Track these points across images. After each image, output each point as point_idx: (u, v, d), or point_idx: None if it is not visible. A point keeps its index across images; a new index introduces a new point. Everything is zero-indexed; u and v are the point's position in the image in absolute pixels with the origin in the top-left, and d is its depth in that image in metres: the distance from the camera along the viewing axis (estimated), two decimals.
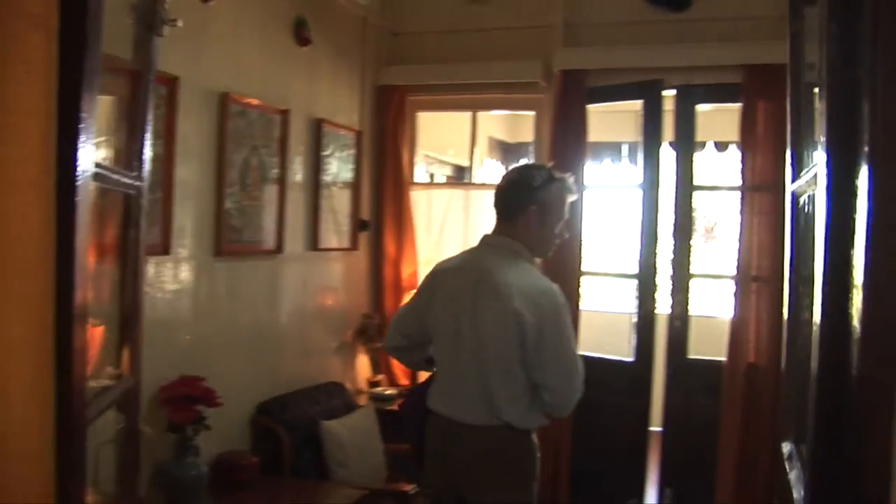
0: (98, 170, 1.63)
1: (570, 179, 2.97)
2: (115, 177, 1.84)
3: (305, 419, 4.32)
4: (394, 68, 5.47)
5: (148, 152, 2.07)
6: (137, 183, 2.02)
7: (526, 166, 3.48)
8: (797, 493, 1.15)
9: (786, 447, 1.39)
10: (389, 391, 5.23)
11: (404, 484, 4.46)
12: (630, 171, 7.89)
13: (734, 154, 7.21)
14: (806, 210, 1.28)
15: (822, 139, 0.96)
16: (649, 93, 5.02)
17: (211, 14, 3.69)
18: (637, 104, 6.65)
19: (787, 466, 1.31)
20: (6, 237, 1.22)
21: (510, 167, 4.18)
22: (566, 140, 5.11)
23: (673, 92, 5.04)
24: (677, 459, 4.99)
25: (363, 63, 5.29)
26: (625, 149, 7.74)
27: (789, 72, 1.46)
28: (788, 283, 1.45)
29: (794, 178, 1.43)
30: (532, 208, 2.83)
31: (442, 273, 3.04)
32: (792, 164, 1.44)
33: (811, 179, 1.09)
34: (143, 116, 2.07)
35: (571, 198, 2.95)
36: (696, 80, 4.97)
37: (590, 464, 4.98)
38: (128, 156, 2.04)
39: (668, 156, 5.15)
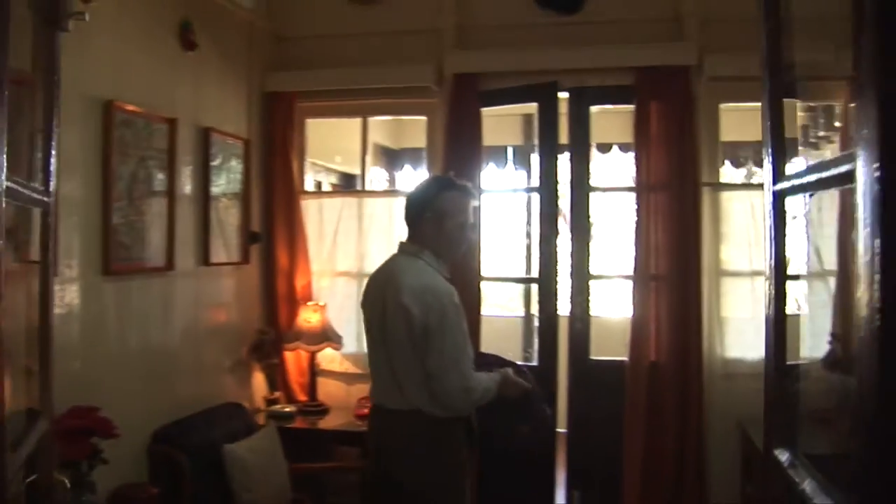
0: (10, 184, 1.44)
1: (468, 185, 3.25)
2: (27, 192, 1.64)
3: (206, 444, 4.09)
4: (281, 74, 5.28)
5: (54, 163, 1.86)
6: (46, 199, 1.80)
7: (426, 178, 3.68)
8: None
9: (783, 455, 1.34)
10: (288, 408, 5.03)
11: None
12: (515, 175, 7.93)
13: (617, 155, 7.37)
14: (804, 210, 1.24)
15: (870, 135, 0.89)
16: (544, 95, 5.01)
17: (92, 15, 3.41)
18: (523, 107, 6.70)
19: (792, 476, 1.26)
20: None
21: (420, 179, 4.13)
22: (460, 145, 5.06)
23: (567, 94, 5.07)
24: (584, 462, 5.00)
25: (250, 69, 5.08)
26: (510, 152, 7.75)
27: (767, 68, 1.41)
28: (774, 282, 1.40)
29: (776, 178, 1.39)
30: (427, 216, 3.14)
31: (369, 280, 3.33)
32: (773, 164, 1.40)
33: (833, 178, 1.04)
34: (48, 123, 1.86)
35: (472, 203, 3.23)
36: (589, 83, 5.00)
37: (498, 468, 4.93)
38: (29, 168, 1.82)
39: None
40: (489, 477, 4.93)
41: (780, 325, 1.39)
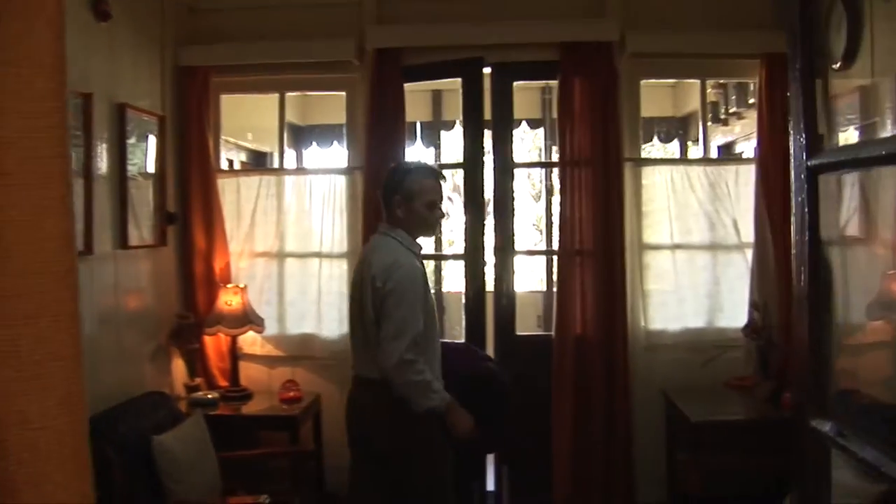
0: None
1: (435, 168, 3.63)
2: None
3: (133, 436, 3.89)
4: (196, 48, 5.03)
5: None
6: None
7: (396, 163, 3.93)
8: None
9: (824, 426, 1.35)
10: (211, 395, 4.84)
11: (244, 495, 4.19)
12: (424, 153, 7.86)
13: (525, 131, 7.41)
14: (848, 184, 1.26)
15: None
16: (469, 71, 4.98)
17: None
18: (432, 83, 6.64)
19: (847, 445, 1.27)
20: None
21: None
22: (383, 121, 4.96)
23: (489, 70, 5.04)
24: (513, 437, 5.01)
25: (163, 41, 4.83)
26: (418, 129, 7.67)
27: (800, 43, 1.41)
28: (808, 255, 1.41)
29: (810, 153, 1.39)
30: (397, 198, 3.42)
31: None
32: (806, 139, 1.40)
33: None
34: None
35: (440, 183, 3.50)
36: (512, 58, 4.99)
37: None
38: None
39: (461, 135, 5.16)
40: None
41: (813, 300, 1.40)
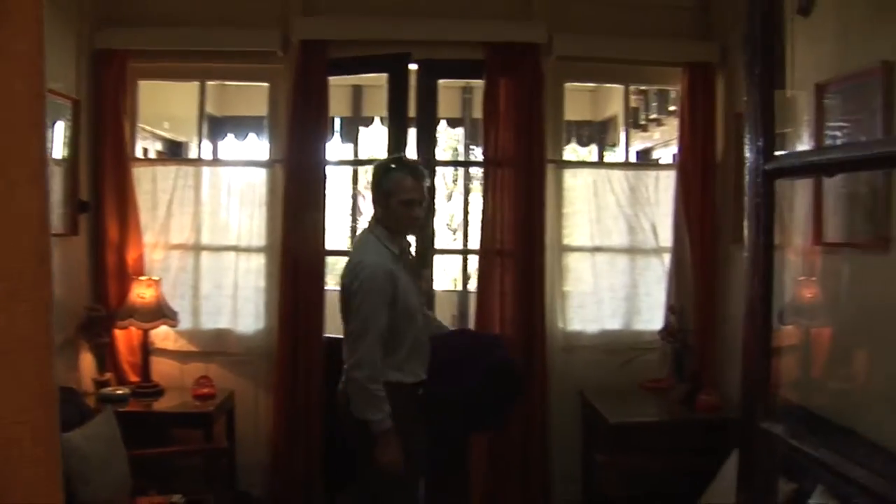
0: None
1: (416, 165, 3.53)
2: None
3: None
4: (113, 30, 4.83)
5: None
6: None
7: (380, 160, 3.80)
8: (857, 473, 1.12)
9: (776, 428, 1.37)
10: (121, 390, 4.67)
11: (155, 494, 4.07)
12: (340, 148, 7.78)
13: (441, 129, 7.41)
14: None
15: None
16: (396, 66, 4.94)
17: None
18: (352, 78, 6.59)
19: (800, 446, 1.28)
20: None
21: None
22: (306, 114, 4.88)
23: (416, 67, 5.02)
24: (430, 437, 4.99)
25: (80, 22, 4.64)
26: (337, 124, 7.58)
27: (757, 49, 1.42)
28: (763, 259, 1.42)
29: (767, 158, 1.41)
30: (375, 195, 3.48)
31: None
32: (764, 143, 1.41)
33: (874, 159, 1.05)
34: None
35: (420, 181, 3.43)
36: (439, 56, 4.98)
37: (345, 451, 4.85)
38: None
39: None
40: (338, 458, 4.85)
41: (764, 304, 1.42)
